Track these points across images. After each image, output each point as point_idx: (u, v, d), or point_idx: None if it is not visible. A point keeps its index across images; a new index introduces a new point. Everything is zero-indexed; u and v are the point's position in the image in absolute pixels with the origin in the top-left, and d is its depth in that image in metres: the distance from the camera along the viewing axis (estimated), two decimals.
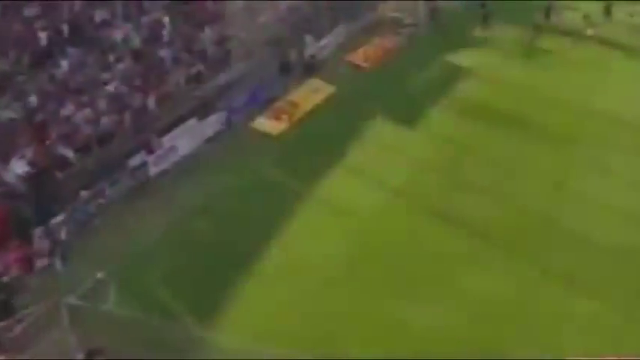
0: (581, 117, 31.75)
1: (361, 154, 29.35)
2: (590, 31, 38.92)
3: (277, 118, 32.14)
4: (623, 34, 39.59)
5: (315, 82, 35.08)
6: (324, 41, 38.28)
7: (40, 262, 22.64)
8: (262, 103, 32.99)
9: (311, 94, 34.15)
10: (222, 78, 32.98)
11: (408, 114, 32.18)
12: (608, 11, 41.41)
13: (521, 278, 22.36)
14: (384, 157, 29.08)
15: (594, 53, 38.15)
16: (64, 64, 28.56)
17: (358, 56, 37.99)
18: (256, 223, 24.93)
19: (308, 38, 37.12)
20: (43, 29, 28.96)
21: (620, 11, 41.20)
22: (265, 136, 30.76)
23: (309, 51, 36.95)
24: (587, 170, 27.96)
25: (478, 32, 40.48)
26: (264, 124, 31.79)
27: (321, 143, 29.94)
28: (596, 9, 41.59)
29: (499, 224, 24.79)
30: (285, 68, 35.41)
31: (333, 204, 26.06)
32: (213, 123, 30.92)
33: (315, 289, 21.91)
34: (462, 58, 37.82)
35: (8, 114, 26.05)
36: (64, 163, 25.89)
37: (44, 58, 28.38)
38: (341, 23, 39.44)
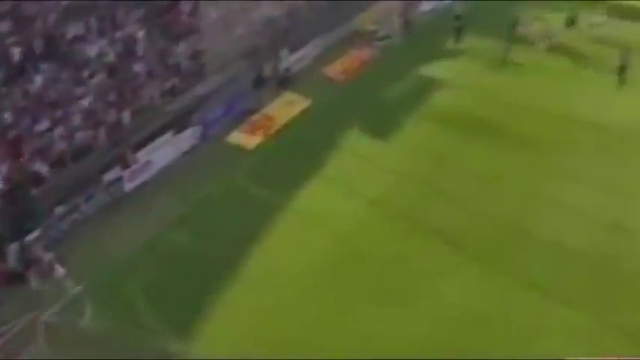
0: (556, 124, 32.75)
1: (338, 165, 29.81)
2: (542, 45, 39.88)
3: (252, 131, 32.48)
4: (589, 44, 40.99)
5: (290, 96, 35.35)
6: (299, 54, 38.42)
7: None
8: (237, 116, 33.27)
9: (286, 107, 34.45)
10: (197, 91, 33.15)
11: (385, 125, 32.72)
12: (571, 22, 42.63)
13: (497, 287, 23.06)
14: (361, 169, 29.57)
15: (564, 63, 39.26)
16: (38, 79, 28.72)
17: (334, 69, 38.29)
18: (234, 235, 25.37)
19: (283, 51, 37.26)
20: (16, 45, 29.10)
21: (583, 21, 42.95)
22: (241, 149, 31.10)
23: (284, 64, 37.10)
24: (563, 177, 28.74)
25: (451, 44, 41.15)
26: (240, 137, 32.12)
27: (298, 155, 30.36)
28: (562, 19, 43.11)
29: (475, 233, 25.46)
30: (259, 82, 35.52)
31: (311, 214, 26.59)
32: (188, 137, 31.22)
33: (294, 299, 22.43)
34: (437, 69, 38.34)
35: None
36: (38, 179, 26.07)
37: (18, 74, 28.52)
38: (316, 36, 39.68)
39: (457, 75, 37.70)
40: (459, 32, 41.20)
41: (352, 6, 42.34)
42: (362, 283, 23.09)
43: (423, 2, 46.22)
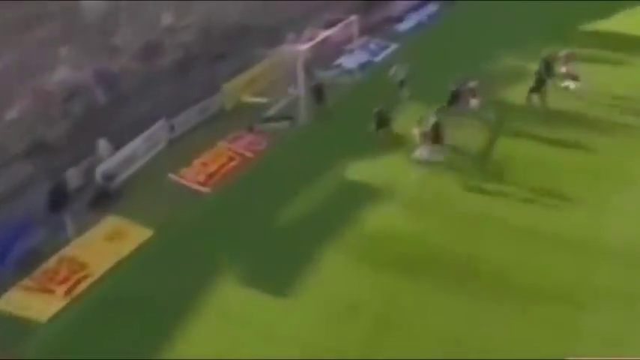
0: (557, 258, 30.36)
1: (204, 340, 27.22)
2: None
3: (46, 290, 29.65)
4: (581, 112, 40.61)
5: (116, 222, 33.18)
6: (130, 148, 36.70)
7: None
8: (16, 265, 30.58)
9: (109, 243, 32.11)
10: None
11: (281, 267, 30.44)
12: (539, 87, 41.71)
13: None
14: (244, 343, 27.05)
15: (543, 152, 37.48)
16: None
17: (193, 172, 36.72)
18: None
19: (102, 144, 35.81)
20: None
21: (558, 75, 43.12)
22: (24, 324, 27.98)
23: (104, 166, 35.22)
24: (592, 339, 26.30)
25: (382, 132, 39.09)
26: (23, 301, 29.13)
27: (132, 328, 27.64)
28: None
29: None
30: (60, 198, 32.84)
31: None
32: None
33: None
34: (368, 167, 36.58)
35: None
36: None
37: None
38: (162, 116, 38.34)
39: (400, 178, 35.76)
40: (381, 121, 38.84)
41: (224, 61, 42.83)
42: None
43: (348, 53, 47.31)
